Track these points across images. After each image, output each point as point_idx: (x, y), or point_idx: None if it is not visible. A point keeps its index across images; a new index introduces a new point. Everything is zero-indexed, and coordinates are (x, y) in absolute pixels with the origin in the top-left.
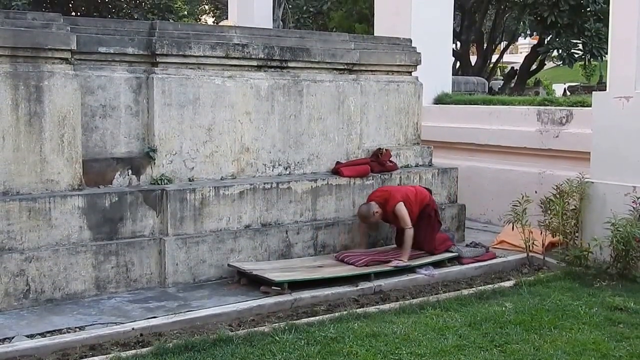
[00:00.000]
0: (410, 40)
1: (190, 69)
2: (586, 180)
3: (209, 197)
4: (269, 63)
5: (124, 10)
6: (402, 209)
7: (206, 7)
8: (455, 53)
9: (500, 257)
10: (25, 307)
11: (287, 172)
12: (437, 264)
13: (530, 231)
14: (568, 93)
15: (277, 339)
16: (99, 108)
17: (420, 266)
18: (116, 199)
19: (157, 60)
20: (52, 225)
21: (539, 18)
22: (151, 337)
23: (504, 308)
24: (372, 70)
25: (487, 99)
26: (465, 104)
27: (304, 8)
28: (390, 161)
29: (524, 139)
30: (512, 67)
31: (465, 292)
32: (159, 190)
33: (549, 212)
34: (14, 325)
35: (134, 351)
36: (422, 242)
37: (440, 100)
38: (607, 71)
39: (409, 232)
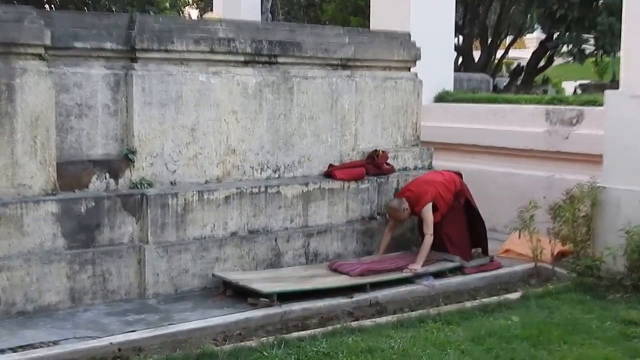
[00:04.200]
0: (409, 34)
1: (173, 64)
2: (598, 185)
3: (192, 202)
4: (256, 58)
5: (101, 3)
6: (428, 213)
7: None
8: (457, 48)
9: (506, 267)
10: None
11: (277, 176)
12: (437, 274)
13: (538, 239)
14: (579, 91)
15: (266, 354)
16: (75, 107)
17: (438, 273)
18: (93, 204)
19: (137, 55)
20: (24, 232)
21: (547, 11)
22: (130, 352)
23: (510, 322)
24: (367, 66)
25: (491, 97)
26: (468, 103)
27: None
28: (387, 164)
29: (532, 140)
30: (519, 64)
31: (468, 304)
32: (138, 194)
33: (558, 218)
34: None
35: None
36: (446, 241)
37: (441, 98)
38: (620, 68)
39: (428, 240)
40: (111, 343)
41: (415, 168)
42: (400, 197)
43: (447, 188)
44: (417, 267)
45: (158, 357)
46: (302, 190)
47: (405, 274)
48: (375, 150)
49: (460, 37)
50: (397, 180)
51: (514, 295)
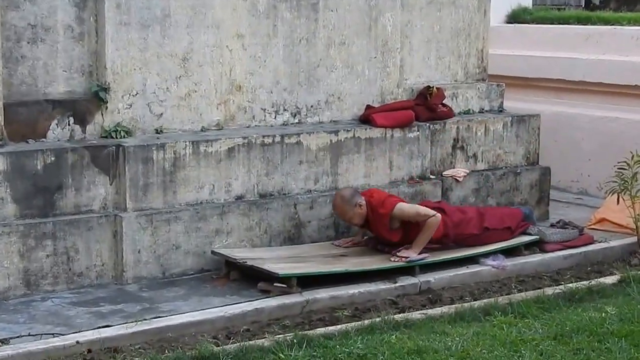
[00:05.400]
0: None
1: None
2: None
3: (184, 156)
4: None
5: None
6: (404, 207)
7: None
8: None
9: (600, 241)
10: None
11: (296, 120)
12: (509, 252)
13: None
14: None
15: (282, 356)
16: (27, 29)
17: (510, 250)
18: (52, 158)
19: None
20: None
21: None
22: (103, 354)
23: (603, 314)
24: None
25: (583, 15)
26: (552, 23)
27: None
28: (444, 104)
29: (636, 73)
30: None
31: (549, 291)
32: (113, 146)
33: None
34: None
35: None
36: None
37: (515, 17)
38: None
39: (433, 221)
40: (78, 342)
41: (481, 111)
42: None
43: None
44: (412, 254)
45: None
46: (331, 140)
47: (394, 262)
48: (428, 87)
49: None
50: (457, 127)
51: (610, 280)
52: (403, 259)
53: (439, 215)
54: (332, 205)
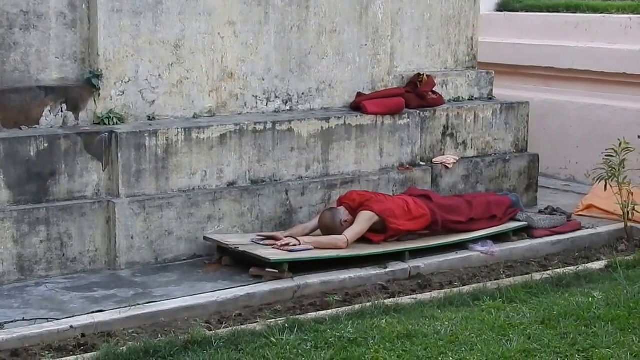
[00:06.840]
0: None
1: None
2: None
3: (176, 143)
4: None
5: None
6: (363, 220)
7: None
8: None
9: (588, 227)
10: None
11: (288, 108)
12: (498, 238)
13: (630, 192)
14: None
15: (274, 340)
16: (19, 16)
17: (498, 236)
18: (45, 145)
19: None
20: None
21: None
22: (97, 338)
23: (590, 299)
24: None
25: (572, 3)
26: (541, 11)
27: None
28: (434, 92)
29: (624, 61)
30: None
31: (537, 276)
32: (105, 132)
33: None
34: None
35: (73, 357)
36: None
37: (505, 5)
38: None
39: (339, 242)
40: (72, 327)
41: (471, 98)
42: (339, 205)
43: (409, 212)
44: (294, 241)
45: (133, 345)
46: (322, 127)
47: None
48: (418, 75)
49: None
50: (447, 115)
51: (597, 265)
52: (284, 247)
53: (345, 244)
54: (321, 229)
